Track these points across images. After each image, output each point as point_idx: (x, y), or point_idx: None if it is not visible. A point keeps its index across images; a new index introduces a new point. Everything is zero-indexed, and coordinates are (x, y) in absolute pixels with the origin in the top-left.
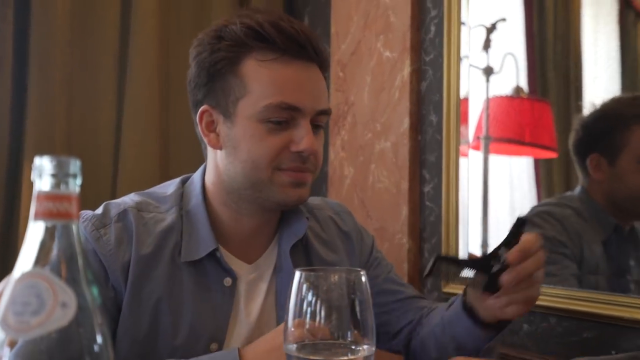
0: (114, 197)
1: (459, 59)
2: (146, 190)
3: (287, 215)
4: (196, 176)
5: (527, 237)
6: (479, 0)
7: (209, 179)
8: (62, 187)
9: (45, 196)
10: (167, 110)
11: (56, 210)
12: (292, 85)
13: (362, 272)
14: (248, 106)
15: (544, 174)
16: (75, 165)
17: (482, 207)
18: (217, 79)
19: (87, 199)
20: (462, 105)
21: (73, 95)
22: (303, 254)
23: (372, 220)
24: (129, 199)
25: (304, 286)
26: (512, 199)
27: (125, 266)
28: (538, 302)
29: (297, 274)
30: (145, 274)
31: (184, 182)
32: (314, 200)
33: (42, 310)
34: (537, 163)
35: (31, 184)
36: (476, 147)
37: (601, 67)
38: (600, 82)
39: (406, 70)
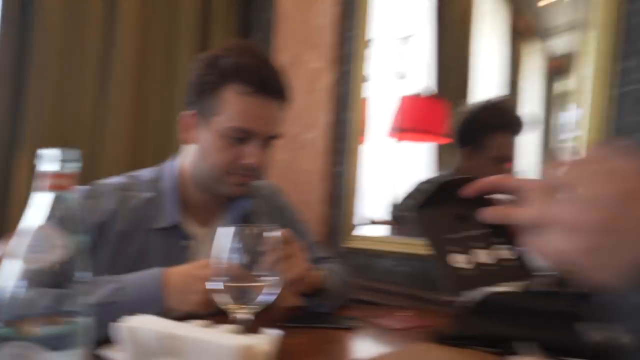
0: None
1: (363, 70)
2: (130, 173)
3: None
4: (172, 163)
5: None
6: (392, 19)
7: (184, 164)
8: (67, 168)
9: (55, 174)
10: (142, 112)
11: (61, 184)
12: (254, 115)
13: (273, 228)
14: (218, 122)
15: (442, 156)
16: (75, 154)
17: (392, 182)
18: (204, 94)
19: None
20: (366, 105)
21: (62, 98)
22: (246, 222)
23: (299, 194)
24: (116, 180)
25: (223, 239)
26: (417, 175)
27: (102, 226)
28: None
29: (223, 228)
30: (127, 238)
31: (160, 167)
32: (260, 182)
33: (46, 249)
34: (439, 149)
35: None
36: (393, 136)
37: (488, 75)
38: (487, 87)
39: (329, 78)
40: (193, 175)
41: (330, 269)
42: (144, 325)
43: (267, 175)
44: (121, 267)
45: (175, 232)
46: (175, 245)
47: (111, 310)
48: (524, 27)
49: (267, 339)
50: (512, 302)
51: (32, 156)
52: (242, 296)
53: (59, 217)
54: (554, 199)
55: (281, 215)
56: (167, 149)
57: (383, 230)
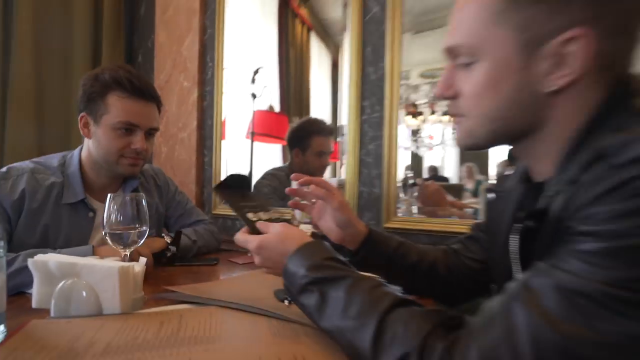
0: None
1: (222, 89)
2: (37, 159)
3: (128, 177)
4: (75, 152)
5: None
6: (244, 51)
7: (84, 154)
8: None
9: None
10: (42, 117)
11: None
12: (134, 112)
13: (142, 195)
14: (108, 120)
15: (285, 154)
16: None
17: (249, 170)
18: (92, 100)
19: None
20: (224, 114)
21: None
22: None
23: (177, 177)
24: (26, 164)
25: (112, 204)
26: (267, 166)
27: (15, 204)
28: None
29: (109, 196)
30: (38, 212)
31: (64, 157)
32: (145, 166)
33: None
34: (283, 149)
35: None
36: (248, 137)
37: (320, 97)
38: (318, 106)
39: (195, 94)
40: (93, 161)
41: (199, 229)
42: (48, 258)
43: (153, 162)
44: (36, 235)
45: (81, 206)
46: (82, 217)
47: None
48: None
49: (138, 264)
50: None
51: None
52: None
53: None
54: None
55: (166, 189)
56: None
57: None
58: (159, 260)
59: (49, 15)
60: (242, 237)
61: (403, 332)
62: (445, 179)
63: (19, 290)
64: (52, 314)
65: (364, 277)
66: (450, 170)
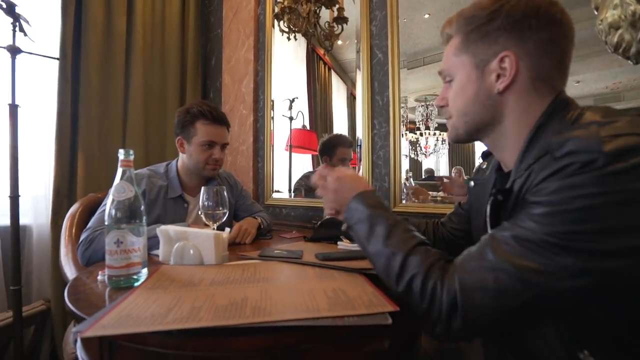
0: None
1: (270, 114)
2: (151, 167)
3: (210, 178)
4: (173, 163)
5: None
6: (284, 86)
7: (179, 164)
8: (129, 156)
9: (124, 160)
10: (151, 138)
11: (127, 164)
12: (214, 134)
13: (223, 188)
14: (196, 139)
15: (315, 162)
16: (132, 151)
17: (289, 173)
18: (185, 127)
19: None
20: (271, 133)
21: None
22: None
23: (239, 177)
24: (145, 171)
25: (205, 194)
26: (301, 170)
27: (142, 196)
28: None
29: (203, 189)
30: (153, 204)
31: (167, 165)
32: (219, 171)
33: (125, 191)
34: (313, 157)
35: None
36: (286, 149)
37: (340, 118)
38: (339, 125)
39: (251, 119)
40: (186, 168)
41: (262, 215)
42: (169, 228)
43: (224, 167)
44: (153, 218)
45: (179, 200)
46: (180, 207)
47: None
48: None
49: (225, 233)
50: (330, 222)
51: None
52: (214, 218)
53: (126, 178)
54: (324, 188)
55: (235, 187)
56: (167, 155)
57: (283, 195)
58: (259, 234)
59: (153, 69)
60: (325, 169)
61: (418, 261)
62: (440, 179)
63: (148, 251)
64: (171, 263)
65: (400, 221)
66: (444, 172)
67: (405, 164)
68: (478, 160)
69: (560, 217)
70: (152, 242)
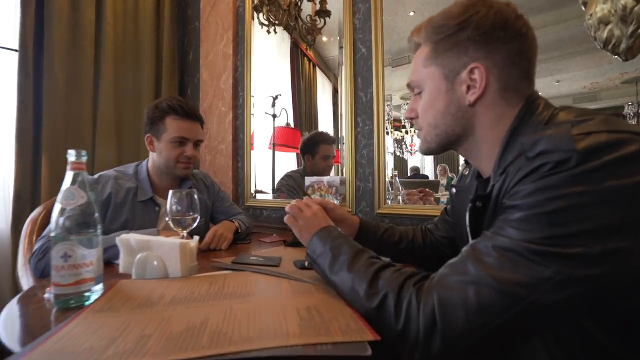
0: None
1: (250, 112)
2: (119, 167)
3: (184, 179)
4: (143, 163)
5: None
6: (267, 83)
7: (150, 164)
8: (80, 158)
9: (75, 162)
10: (121, 136)
11: (78, 167)
12: (185, 129)
13: (194, 190)
14: (166, 136)
15: (299, 160)
16: (84, 152)
17: (272, 172)
18: (154, 124)
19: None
20: (251, 131)
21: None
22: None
23: (218, 178)
24: (111, 172)
25: (172, 198)
26: (286, 169)
27: (104, 202)
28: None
29: (170, 192)
30: (120, 208)
31: (137, 165)
32: (194, 171)
33: (75, 198)
34: (297, 156)
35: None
36: (270, 147)
37: (325, 115)
38: (323, 123)
39: (230, 116)
40: (157, 168)
41: (241, 218)
42: (130, 236)
43: (200, 167)
44: (119, 226)
45: (150, 202)
46: (151, 210)
47: None
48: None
49: (193, 241)
50: None
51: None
52: (182, 225)
53: (78, 183)
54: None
55: (212, 189)
56: (141, 155)
57: (266, 196)
58: (237, 238)
59: (125, 63)
60: (307, 199)
61: (388, 279)
62: (426, 177)
63: (109, 260)
64: (133, 277)
65: (363, 249)
66: (429, 169)
67: (390, 163)
68: (463, 159)
69: (536, 221)
70: (114, 252)
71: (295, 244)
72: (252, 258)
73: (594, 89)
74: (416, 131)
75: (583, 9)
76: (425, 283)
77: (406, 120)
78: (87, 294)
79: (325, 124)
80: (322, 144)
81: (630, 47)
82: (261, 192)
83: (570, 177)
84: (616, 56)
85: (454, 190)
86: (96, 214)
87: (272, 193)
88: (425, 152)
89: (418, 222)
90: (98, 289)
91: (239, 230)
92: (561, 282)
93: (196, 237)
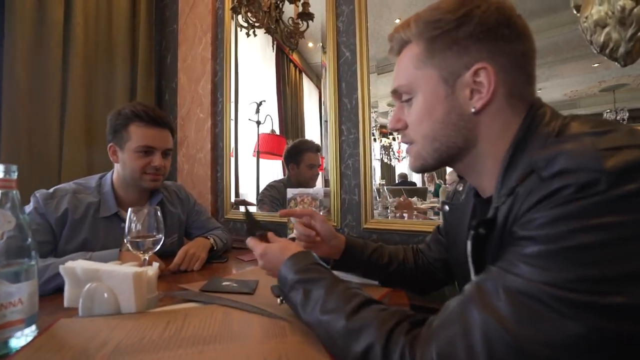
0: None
1: (230, 119)
2: (79, 180)
3: (154, 192)
4: (108, 175)
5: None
6: (251, 89)
7: (115, 176)
8: (10, 175)
9: (3, 179)
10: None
11: (7, 185)
12: (151, 137)
13: (157, 208)
14: (130, 145)
15: (284, 169)
16: (14, 167)
17: (256, 181)
18: (117, 132)
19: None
20: (231, 140)
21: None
22: (161, 209)
23: (197, 188)
24: (69, 186)
25: (132, 215)
26: (272, 178)
27: (59, 220)
28: None
29: (129, 210)
30: (78, 226)
31: (101, 177)
32: (167, 183)
33: (2, 224)
34: (281, 164)
35: None
36: (254, 155)
37: (311, 123)
38: (310, 131)
39: (209, 123)
40: (122, 181)
41: (218, 234)
42: (76, 265)
43: (175, 178)
44: (77, 246)
45: (114, 218)
46: (116, 228)
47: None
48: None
49: (152, 269)
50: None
51: None
52: (140, 248)
53: (8, 206)
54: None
55: (187, 202)
56: (109, 162)
57: (244, 208)
58: (212, 256)
59: (97, 63)
60: (252, 242)
61: (370, 325)
62: (413, 184)
63: (56, 289)
64: (80, 312)
65: (340, 280)
66: (416, 176)
67: (378, 171)
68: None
69: (559, 259)
70: (59, 280)
71: None
72: (224, 284)
73: (574, 96)
74: (403, 145)
75: (575, 12)
76: (420, 331)
77: None
78: (12, 340)
79: (311, 132)
80: (307, 152)
81: (630, 52)
82: (245, 202)
83: (600, 204)
84: (615, 61)
85: (446, 208)
86: (29, 240)
87: (256, 203)
88: (419, 169)
89: (408, 238)
90: (29, 332)
91: (215, 248)
92: (600, 343)
93: (156, 264)
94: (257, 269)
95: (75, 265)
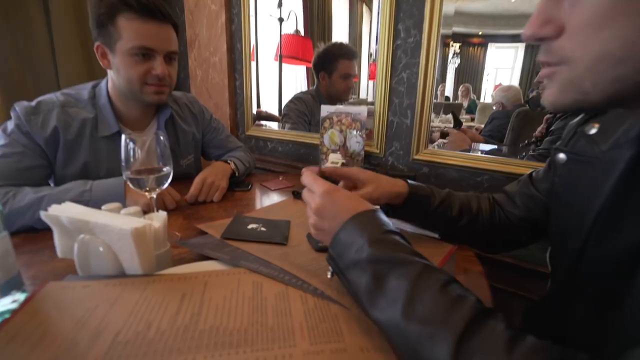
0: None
1: (249, 13)
2: (68, 90)
3: (161, 106)
4: (102, 84)
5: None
6: None
7: (110, 86)
8: None
9: None
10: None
11: None
12: (147, 35)
13: (160, 133)
14: (122, 46)
15: (310, 76)
16: None
17: (278, 91)
18: (103, 26)
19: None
20: (252, 38)
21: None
22: (171, 126)
23: (213, 99)
24: (56, 97)
25: (127, 144)
26: (295, 89)
27: (49, 141)
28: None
29: (123, 137)
30: (74, 147)
31: (94, 87)
32: (177, 94)
33: None
34: (308, 71)
35: None
36: (276, 59)
37: (340, 24)
38: (338, 31)
39: (224, 17)
40: (119, 92)
41: (239, 156)
42: (61, 213)
43: (188, 88)
44: (77, 170)
45: (117, 137)
46: (118, 148)
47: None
48: None
49: (157, 219)
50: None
51: None
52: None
53: None
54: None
55: (202, 117)
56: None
57: (271, 124)
58: (233, 183)
59: None
60: (311, 177)
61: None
62: (447, 99)
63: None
64: (78, 271)
65: (432, 269)
66: (449, 90)
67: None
68: (487, 75)
69: None
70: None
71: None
72: (250, 227)
73: None
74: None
75: None
76: None
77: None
78: None
79: (340, 34)
80: (342, 59)
81: None
82: (267, 115)
83: None
84: None
85: (562, 156)
86: None
87: (279, 118)
88: (569, 107)
89: (469, 176)
90: (4, 304)
91: (236, 174)
92: None
93: (164, 213)
94: (288, 202)
95: (59, 214)
